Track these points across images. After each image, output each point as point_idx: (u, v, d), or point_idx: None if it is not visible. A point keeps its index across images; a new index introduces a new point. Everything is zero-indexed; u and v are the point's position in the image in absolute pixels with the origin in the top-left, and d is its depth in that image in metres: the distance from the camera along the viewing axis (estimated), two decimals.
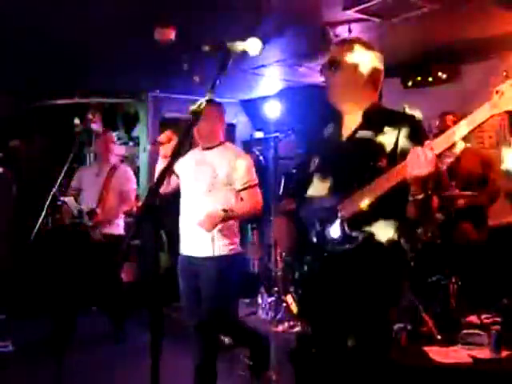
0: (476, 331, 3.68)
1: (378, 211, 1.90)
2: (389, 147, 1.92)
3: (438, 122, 4.55)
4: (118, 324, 4.68)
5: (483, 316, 4.03)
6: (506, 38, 4.57)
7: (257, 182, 3.21)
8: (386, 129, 1.97)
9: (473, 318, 4.02)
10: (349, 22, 4.19)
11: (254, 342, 3.60)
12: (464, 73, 5.27)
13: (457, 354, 3.45)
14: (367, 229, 1.92)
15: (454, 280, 4.04)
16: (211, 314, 3.09)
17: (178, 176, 3.27)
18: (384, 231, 1.94)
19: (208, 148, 3.21)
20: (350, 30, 4.32)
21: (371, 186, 1.86)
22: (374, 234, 1.92)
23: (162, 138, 3.07)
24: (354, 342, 1.92)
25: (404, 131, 1.95)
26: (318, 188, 2.09)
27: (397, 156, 1.87)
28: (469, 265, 4.15)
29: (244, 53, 1.82)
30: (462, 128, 1.65)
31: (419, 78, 5.47)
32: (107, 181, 4.62)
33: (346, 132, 2.09)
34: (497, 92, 1.60)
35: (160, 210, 1.52)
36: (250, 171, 3.19)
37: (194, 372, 3.18)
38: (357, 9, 3.92)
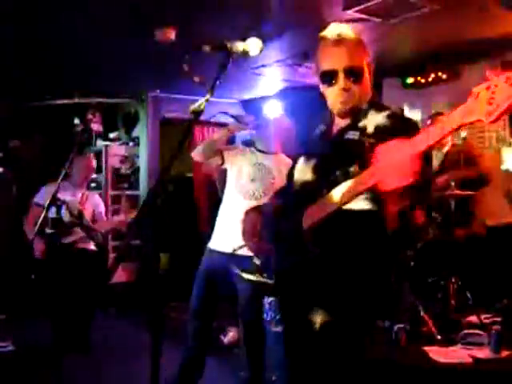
0: (476, 331, 3.68)
1: (342, 224, 1.65)
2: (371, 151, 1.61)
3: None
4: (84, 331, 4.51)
5: (483, 316, 4.03)
6: (506, 38, 4.57)
7: None
8: (372, 129, 1.71)
9: (473, 318, 4.01)
10: (349, 21, 4.19)
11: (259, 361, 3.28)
12: (464, 73, 5.27)
13: (457, 354, 3.45)
14: (329, 243, 1.69)
15: (453, 280, 4.04)
16: (250, 312, 3.11)
17: (223, 161, 3.27)
18: (352, 247, 1.70)
19: (263, 152, 3.26)
20: None
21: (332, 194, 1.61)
22: (338, 249, 1.70)
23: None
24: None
25: (391, 133, 1.64)
26: (299, 189, 1.90)
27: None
28: (469, 265, 4.15)
29: (244, 53, 1.82)
30: (432, 135, 1.39)
31: (419, 78, 5.47)
32: (81, 202, 4.52)
33: (335, 132, 1.87)
34: (472, 94, 1.34)
35: (161, 210, 1.52)
36: None
37: (182, 363, 3.16)
38: (357, 9, 3.92)
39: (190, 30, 4.19)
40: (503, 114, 1.29)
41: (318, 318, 1.71)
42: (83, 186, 4.64)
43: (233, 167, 3.26)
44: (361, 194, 1.53)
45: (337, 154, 1.76)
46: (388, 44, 4.64)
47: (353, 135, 1.74)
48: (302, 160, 1.95)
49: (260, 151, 3.28)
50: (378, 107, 1.81)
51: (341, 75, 1.74)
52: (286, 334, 1.92)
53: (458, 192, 4.15)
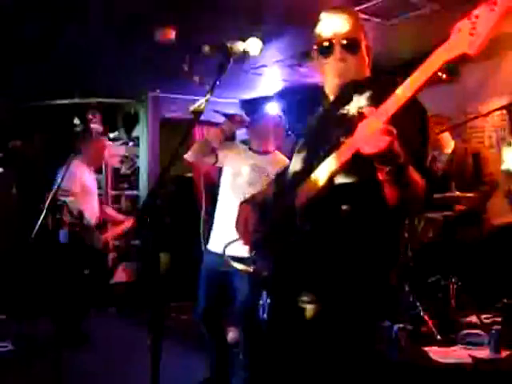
0: (476, 331, 3.67)
1: (336, 197, 1.59)
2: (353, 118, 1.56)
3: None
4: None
5: (483, 316, 4.03)
6: (506, 38, 4.57)
7: None
8: (354, 97, 1.68)
9: (473, 318, 4.01)
10: None
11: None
12: (464, 73, 5.26)
13: (457, 354, 3.44)
14: (321, 219, 1.61)
15: (453, 280, 4.04)
16: (249, 312, 3.12)
17: (216, 160, 3.27)
18: (341, 228, 1.62)
19: (258, 152, 3.26)
20: None
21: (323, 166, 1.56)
22: (326, 229, 1.62)
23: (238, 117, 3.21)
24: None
25: (367, 94, 1.64)
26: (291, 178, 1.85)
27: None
28: (469, 265, 4.15)
29: (244, 53, 1.82)
30: (414, 81, 1.36)
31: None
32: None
33: (328, 109, 1.83)
34: (454, 29, 1.29)
35: (160, 211, 1.52)
36: None
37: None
38: (357, 9, 3.92)
39: (190, 30, 4.19)
40: (486, 42, 1.24)
41: (310, 305, 1.65)
42: (96, 167, 4.84)
43: (228, 168, 3.24)
44: (345, 165, 1.48)
45: (329, 129, 1.69)
46: (388, 44, 4.64)
47: (346, 110, 1.69)
48: (300, 142, 1.89)
49: (255, 152, 3.26)
50: (372, 81, 1.79)
51: (337, 46, 1.75)
52: (271, 324, 1.83)
53: (458, 194, 4.14)
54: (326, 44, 1.77)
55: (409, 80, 1.35)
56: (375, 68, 1.85)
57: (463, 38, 1.26)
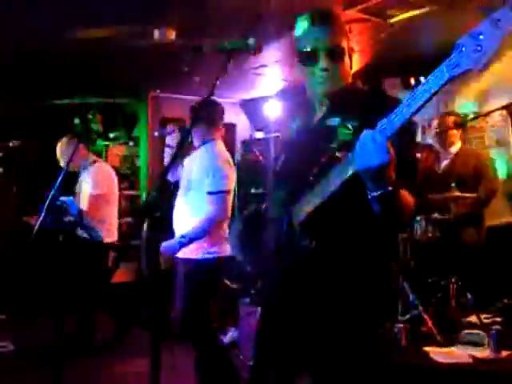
0: (476, 331, 3.67)
1: (332, 215, 1.59)
2: (356, 134, 1.51)
3: (435, 122, 4.52)
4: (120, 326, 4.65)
5: (483, 316, 4.03)
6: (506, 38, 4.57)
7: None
8: (355, 112, 1.65)
9: (473, 318, 4.01)
10: (349, 22, 4.19)
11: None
12: None
13: (457, 354, 3.44)
14: (320, 237, 1.61)
15: (453, 280, 4.04)
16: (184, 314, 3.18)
17: None
18: (344, 239, 1.65)
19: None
20: (350, 30, 4.32)
21: (320, 184, 1.56)
22: (330, 243, 1.63)
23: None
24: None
25: (374, 112, 1.54)
26: (281, 188, 1.82)
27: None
28: (469, 265, 4.15)
29: (244, 53, 1.82)
30: (418, 97, 1.31)
31: (420, 78, 5.46)
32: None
33: (316, 120, 1.81)
34: (456, 47, 1.25)
35: (160, 211, 1.52)
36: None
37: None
38: (357, 9, 3.93)
39: (190, 30, 4.19)
40: (492, 59, 1.21)
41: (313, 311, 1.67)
42: (78, 164, 4.54)
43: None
44: (344, 182, 1.48)
45: (319, 141, 1.68)
46: (388, 44, 4.64)
47: (332, 122, 1.69)
48: (282, 157, 1.90)
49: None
50: (356, 88, 1.80)
51: (321, 55, 1.71)
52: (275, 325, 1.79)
53: (458, 194, 4.14)
54: (308, 53, 1.72)
55: (412, 96, 1.32)
56: (376, 68, 1.84)
57: (468, 54, 1.22)
